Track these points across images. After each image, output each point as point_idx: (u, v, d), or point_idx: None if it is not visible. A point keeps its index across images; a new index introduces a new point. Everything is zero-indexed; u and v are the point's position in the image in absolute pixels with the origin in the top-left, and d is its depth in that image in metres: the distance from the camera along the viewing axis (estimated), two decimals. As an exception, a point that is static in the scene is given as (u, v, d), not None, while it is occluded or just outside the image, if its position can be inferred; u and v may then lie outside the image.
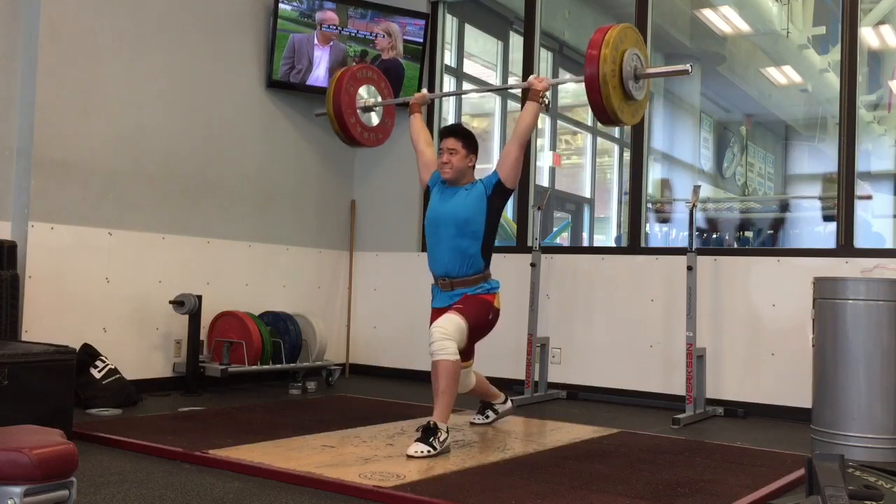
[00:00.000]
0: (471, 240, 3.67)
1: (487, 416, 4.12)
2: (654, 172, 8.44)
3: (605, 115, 3.47)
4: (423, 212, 6.11)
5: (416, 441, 3.36)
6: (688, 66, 3.58)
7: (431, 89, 6.18)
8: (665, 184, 9.03)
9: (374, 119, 4.35)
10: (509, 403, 4.19)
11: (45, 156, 4.43)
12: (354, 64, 4.40)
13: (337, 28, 5.81)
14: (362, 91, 4.28)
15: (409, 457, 3.27)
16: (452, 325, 3.50)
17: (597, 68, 3.36)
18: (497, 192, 3.70)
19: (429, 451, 3.31)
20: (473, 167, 3.81)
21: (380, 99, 4.34)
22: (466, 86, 7.06)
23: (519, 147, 3.70)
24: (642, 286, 5.20)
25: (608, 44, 3.37)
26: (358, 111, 4.25)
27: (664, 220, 7.94)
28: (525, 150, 3.78)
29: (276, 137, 5.75)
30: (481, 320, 3.65)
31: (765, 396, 4.78)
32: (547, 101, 3.74)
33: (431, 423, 3.40)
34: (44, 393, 3.34)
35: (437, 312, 3.73)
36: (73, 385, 3.55)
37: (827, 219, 6.66)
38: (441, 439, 3.36)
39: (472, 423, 4.11)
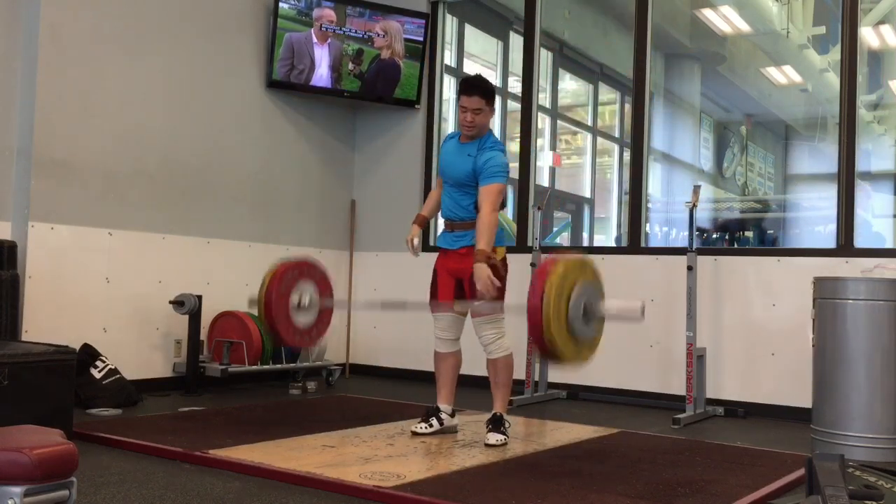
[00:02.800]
0: (466, 193, 3.84)
1: (431, 425, 3.81)
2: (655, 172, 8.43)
3: (547, 354, 3.29)
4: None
5: (489, 432, 3.67)
6: (640, 311, 3.37)
7: (432, 89, 6.18)
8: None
9: (310, 317, 3.87)
10: (456, 419, 3.95)
11: (45, 156, 4.43)
12: (281, 263, 3.80)
13: (334, 27, 5.80)
14: (294, 296, 3.77)
15: (489, 445, 3.57)
16: (494, 324, 3.81)
17: (539, 306, 3.12)
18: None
19: (504, 439, 3.64)
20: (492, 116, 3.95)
21: (316, 296, 3.87)
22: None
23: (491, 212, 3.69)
24: (642, 286, 5.20)
25: (552, 285, 3.16)
26: (292, 314, 3.76)
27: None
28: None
29: (276, 137, 5.75)
30: (502, 286, 3.78)
31: (765, 396, 4.78)
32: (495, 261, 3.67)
33: (497, 413, 3.74)
34: (44, 393, 3.34)
35: (441, 256, 3.89)
36: (73, 385, 3.55)
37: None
38: (507, 426, 3.71)
39: (414, 433, 3.78)
